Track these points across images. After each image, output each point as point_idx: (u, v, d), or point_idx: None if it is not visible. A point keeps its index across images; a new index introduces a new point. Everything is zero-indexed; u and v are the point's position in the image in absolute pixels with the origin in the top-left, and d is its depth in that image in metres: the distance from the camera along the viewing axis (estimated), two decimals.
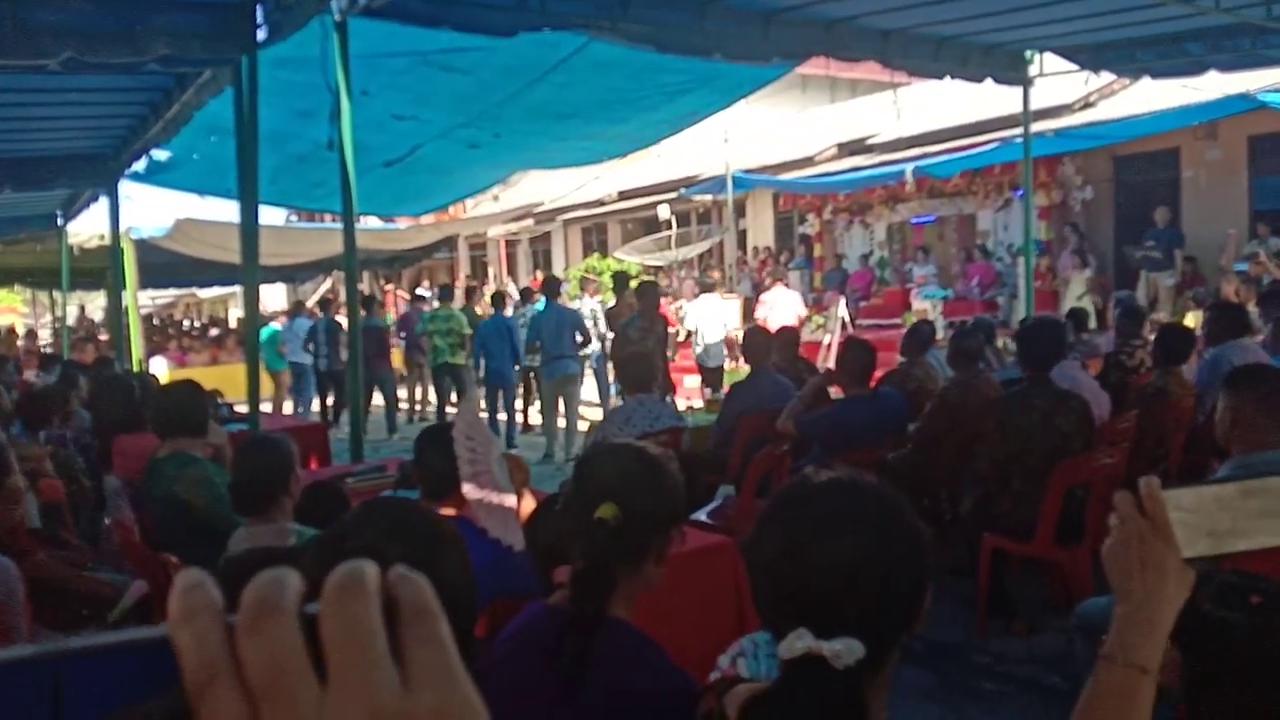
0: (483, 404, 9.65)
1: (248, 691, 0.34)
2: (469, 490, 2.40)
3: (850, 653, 0.98)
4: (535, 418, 10.51)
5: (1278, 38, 6.43)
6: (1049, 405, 4.14)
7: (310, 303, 14.28)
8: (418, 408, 12.56)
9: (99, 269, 12.32)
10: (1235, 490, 1.03)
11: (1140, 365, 6.03)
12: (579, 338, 8.84)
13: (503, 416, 9.81)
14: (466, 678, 0.36)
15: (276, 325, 14.29)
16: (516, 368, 9.83)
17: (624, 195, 19.36)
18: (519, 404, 10.47)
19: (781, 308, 11.01)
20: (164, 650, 0.34)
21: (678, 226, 15.77)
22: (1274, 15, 5.82)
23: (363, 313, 11.68)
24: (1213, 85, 8.87)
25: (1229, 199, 11.71)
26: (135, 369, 10.32)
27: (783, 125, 18.54)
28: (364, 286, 23.01)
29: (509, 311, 10.65)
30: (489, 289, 17.62)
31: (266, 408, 13.95)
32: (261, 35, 4.83)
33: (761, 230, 18.88)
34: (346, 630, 0.34)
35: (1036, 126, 9.37)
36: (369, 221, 15.26)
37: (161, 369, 14.71)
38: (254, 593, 0.35)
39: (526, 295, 10.91)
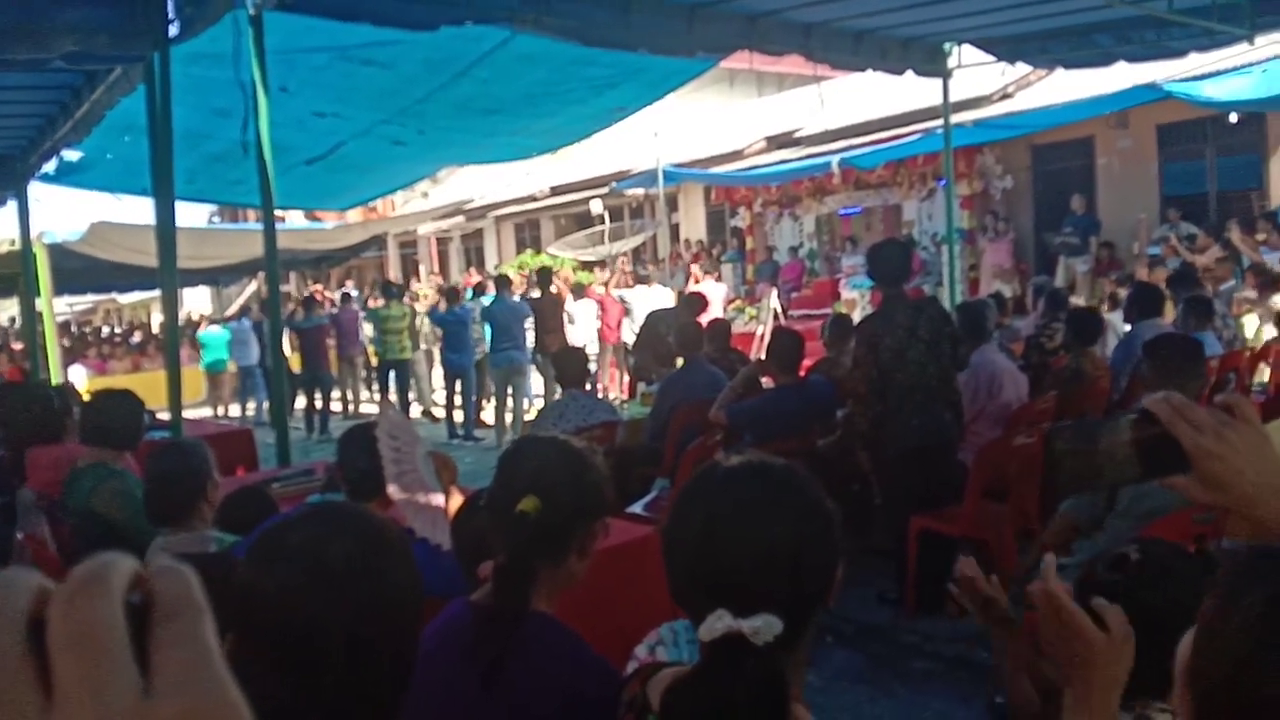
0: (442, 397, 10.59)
1: None
2: (395, 490, 2.36)
3: (769, 629, 1.00)
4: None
5: (1180, 30, 6.68)
6: (909, 319, 4.38)
7: (233, 308, 14.18)
8: (350, 407, 12.48)
9: (10, 275, 11.83)
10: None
11: (1060, 347, 6.22)
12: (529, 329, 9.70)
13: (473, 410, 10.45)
14: (225, 679, 0.32)
15: (217, 330, 13.99)
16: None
17: (556, 190, 19.27)
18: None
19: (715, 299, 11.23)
20: None
21: (610, 221, 15.74)
22: (1175, 8, 6.05)
23: (302, 313, 11.67)
24: (1123, 76, 9.17)
25: (1141, 185, 12.12)
26: (52, 379, 9.97)
27: (712, 119, 18.63)
28: (290, 288, 22.61)
29: (468, 304, 10.92)
30: (425, 286, 17.44)
31: (205, 411, 13.73)
32: (173, 31, 4.67)
33: (694, 223, 18.96)
34: (74, 634, 0.30)
35: (956, 117, 9.56)
36: (294, 220, 14.91)
37: (80, 378, 14.20)
38: None
39: (452, 295, 10.85)
